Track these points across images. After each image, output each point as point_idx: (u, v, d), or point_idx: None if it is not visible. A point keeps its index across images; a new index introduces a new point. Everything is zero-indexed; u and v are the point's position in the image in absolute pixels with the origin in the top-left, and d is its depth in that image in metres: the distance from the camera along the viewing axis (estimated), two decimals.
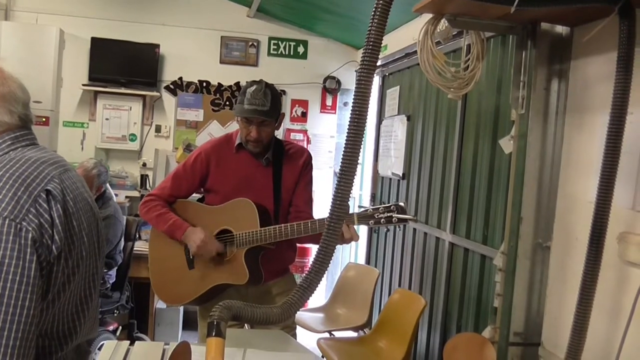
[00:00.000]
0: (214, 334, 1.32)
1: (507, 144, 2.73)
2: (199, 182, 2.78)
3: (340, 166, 1.63)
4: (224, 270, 2.66)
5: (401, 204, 2.44)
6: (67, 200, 1.30)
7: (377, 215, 2.42)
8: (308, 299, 1.66)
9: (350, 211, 2.45)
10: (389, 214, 2.41)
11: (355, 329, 4.10)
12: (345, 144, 1.62)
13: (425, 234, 3.99)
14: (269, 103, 2.62)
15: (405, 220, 2.42)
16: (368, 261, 5.22)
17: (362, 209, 2.49)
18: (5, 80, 1.37)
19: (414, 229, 4.20)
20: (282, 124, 5.70)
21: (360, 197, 5.72)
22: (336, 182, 1.63)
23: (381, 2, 1.55)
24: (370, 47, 1.55)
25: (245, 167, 2.74)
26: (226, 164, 2.74)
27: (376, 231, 4.82)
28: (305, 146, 5.57)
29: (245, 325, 2.79)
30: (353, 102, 1.60)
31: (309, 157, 2.84)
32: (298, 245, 2.94)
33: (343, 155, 1.62)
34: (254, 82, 2.68)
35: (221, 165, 2.75)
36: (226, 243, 2.66)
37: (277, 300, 2.73)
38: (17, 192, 1.21)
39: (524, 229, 2.59)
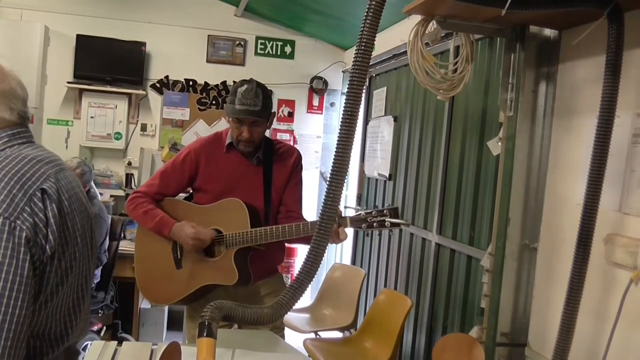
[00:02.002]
0: (205, 334, 1.31)
1: (495, 146, 2.75)
2: (187, 181, 2.75)
3: (332, 167, 1.63)
4: (212, 270, 2.64)
5: (394, 208, 2.43)
6: (62, 200, 1.28)
7: (370, 219, 2.42)
8: (299, 299, 1.66)
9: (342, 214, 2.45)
10: (381, 218, 2.41)
11: (341, 330, 4.10)
12: (336, 144, 1.62)
13: (412, 234, 4.00)
14: (260, 103, 2.59)
15: (398, 224, 2.42)
16: (354, 262, 5.22)
17: (355, 213, 2.49)
18: (5, 77, 1.36)
19: (400, 230, 4.21)
20: (278, 124, 5.76)
21: (346, 197, 5.72)
22: (327, 183, 1.63)
23: (374, 2, 1.55)
24: (363, 47, 1.56)
25: (236, 166, 2.72)
26: (216, 164, 2.72)
27: (368, 235, 4.82)
28: None
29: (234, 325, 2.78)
30: (345, 104, 1.60)
31: (299, 157, 2.84)
32: (286, 245, 2.93)
33: (334, 156, 1.62)
34: (244, 82, 2.65)
35: (211, 164, 2.72)
36: (215, 243, 2.65)
37: (265, 300, 2.72)
38: (12, 190, 1.20)
39: (511, 230, 2.61)
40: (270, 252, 2.69)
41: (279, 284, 2.85)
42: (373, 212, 2.43)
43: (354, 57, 1.57)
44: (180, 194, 2.86)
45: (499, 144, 2.69)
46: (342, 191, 1.66)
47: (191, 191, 2.86)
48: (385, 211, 2.42)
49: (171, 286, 2.72)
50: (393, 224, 2.41)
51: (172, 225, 2.62)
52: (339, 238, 2.40)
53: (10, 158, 1.27)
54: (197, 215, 2.67)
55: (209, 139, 2.82)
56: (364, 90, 1.63)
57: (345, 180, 1.65)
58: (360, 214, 2.46)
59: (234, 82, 5.91)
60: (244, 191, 2.66)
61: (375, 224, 2.42)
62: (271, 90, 5.55)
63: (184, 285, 2.68)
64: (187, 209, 2.73)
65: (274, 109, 5.84)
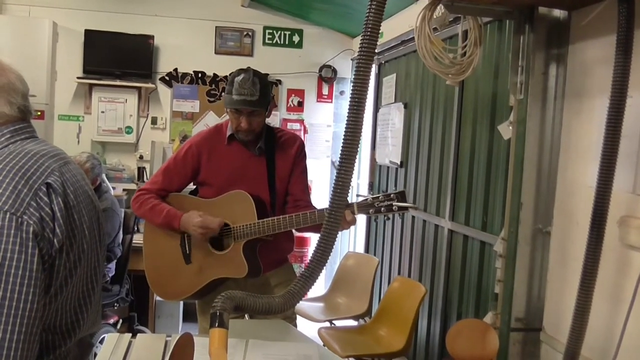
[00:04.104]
0: (216, 324, 1.31)
1: (506, 130, 2.73)
2: (190, 176, 2.73)
3: (340, 155, 1.62)
4: (222, 263, 2.63)
5: (400, 191, 2.40)
6: (68, 193, 1.28)
7: (377, 204, 2.39)
8: (310, 288, 1.66)
9: (350, 200, 2.42)
10: (389, 202, 2.38)
11: (355, 318, 4.10)
12: (344, 132, 1.61)
13: (424, 221, 3.99)
14: (258, 92, 2.55)
15: (406, 208, 2.39)
16: (367, 250, 5.22)
17: (362, 198, 2.47)
18: (4, 71, 1.36)
19: (413, 217, 4.20)
20: (278, 113, 5.75)
21: (358, 185, 5.71)
22: (336, 170, 1.63)
23: None
24: (369, 33, 1.54)
25: (238, 158, 2.70)
26: (218, 156, 2.70)
27: (376, 219, 4.80)
28: (302, 136, 5.55)
29: (246, 315, 2.78)
30: (352, 90, 1.59)
31: (302, 145, 2.80)
32: (296, 235, 2.91)
33: (343, 143, 1.61)
34: (241, 71, 2.61)
35: (213, 157, 2.70)
36: (223, 236, 2.64)
37: (275, 290, 2.71)
38: (17, 185, 1.20)
39: (523, 215, 2.59)
40: (278, 242, 2.68)
41: (289, 273, 2.84)
42: (380, 197, 2.39)
43: (360, 43, 1.56)
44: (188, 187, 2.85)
45: (510, 127, 2.67)
46: (352, 178, 1.65)
47: (195, 186, 2.85)
48: (392, 195, 2.38)
49: (181, 282, 2.71)
50: (401, 208, 2.38)
51: (181, 217, 2.60)
52: (347, 222, 2.37)
53: (14, 154, 1.27)
54: (203, 209, 2.65)
55: (210, 131, 2.80)
56: (370, 76, 1.61)
57: (355, 168, 1.64)
58: (367, 199, 2.42)
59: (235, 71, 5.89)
60: (248, 182, 2.64)
61: (382, 209, 2.38)
62: (278, 81, 5.54)
63: (194, 280, 2.68)
64: (192, 204, 2.71)
65: (283, 99, 5.83)
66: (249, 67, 2.64)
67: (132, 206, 2.74)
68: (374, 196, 2.42)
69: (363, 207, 2.42)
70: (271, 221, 2.52)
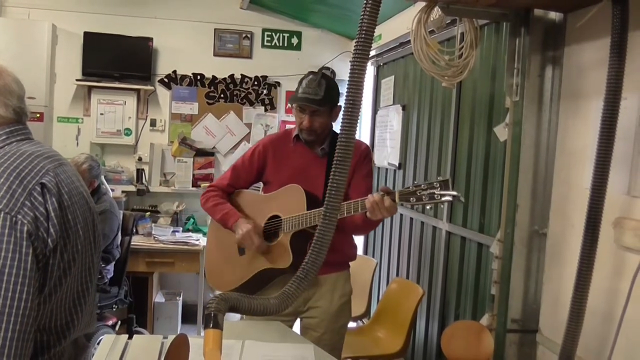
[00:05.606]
0: (211, 325, 1.32)
1: (501, 132, 2.74)
2: (256, 174, 2.82)
3: (335, 156, 1.63)
4: (270, 254, 2.66)
5: (445, 180, 2.26)
6: (62, 194, 1.30)
7: (420, 193, 2.28)
8: (305, 289, 1.66)
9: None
10: (431, 191, 2.25)
11: (353, 319, 4.10)
12: (339, 133, 1.62)
13: (422, 223, 4.00)
14: (322, 92, 2.63)
15: (450, 198, 2.23)
16: (365, 251, 5.23)
17: (404, 187, 2.36)
18: None
19: (411, 218, 4.20)
20: (277, 115, 5.75)
21: None
22: (331, 173, 1.63)
23: None
24: (363, 34, 1.55)
25: (301, 157, 2.75)
26: (282, 156, 2.78)
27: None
28: None
29: (297, 319, 2.82)
30: (347, 92, 1.60)
31: (367, 150, 2.80)
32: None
33: (338, 145, 1.62)
34: (311, 72, 2.72)
35: (278, 157, 2.78)
36: (276, 229, 2.66)
37: (327, 296, 2.72)
38: (11, 185, 1.21)
39: (520, 217, 2.60)
40: (336, 244, 2.61)
41: (342, 281, 2.79)
42: (422, 185, 2.27)
43: (355, 44, 1.56)
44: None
45: (506, 129, 2.67)
46: (346, 179, 1.66)
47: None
48: (435, 184, 2.25)
49: (234, 273, 2.78)
50: (444, 197, 2.23)
51: (238, 218, 2.68)
52: (385, 209, 2.29)
53: (9, 154, 1.28)
54: (260, 203, 2.74)
55: (279, 133, 2.93)
56: (365, 76, 1.62)
57: (350, 168, 1.64)
58: (408, 187, 2.32)
59: (242, 75, 5.94)
60: (306, 181, 2.66)
61: (424, 197, 2.26)
62: (277, 83, 5.45)
63: (244, 271, 2.73)
64: (252, 198, 2.81)
65: (282, 101, 5.82)
66: (319, 70, 2.74)
67: (200, 200, 2.86)
68: (416, 184, 2.31)
69: (405, 195, 2.30)
70: (317, 211, 2.48)
